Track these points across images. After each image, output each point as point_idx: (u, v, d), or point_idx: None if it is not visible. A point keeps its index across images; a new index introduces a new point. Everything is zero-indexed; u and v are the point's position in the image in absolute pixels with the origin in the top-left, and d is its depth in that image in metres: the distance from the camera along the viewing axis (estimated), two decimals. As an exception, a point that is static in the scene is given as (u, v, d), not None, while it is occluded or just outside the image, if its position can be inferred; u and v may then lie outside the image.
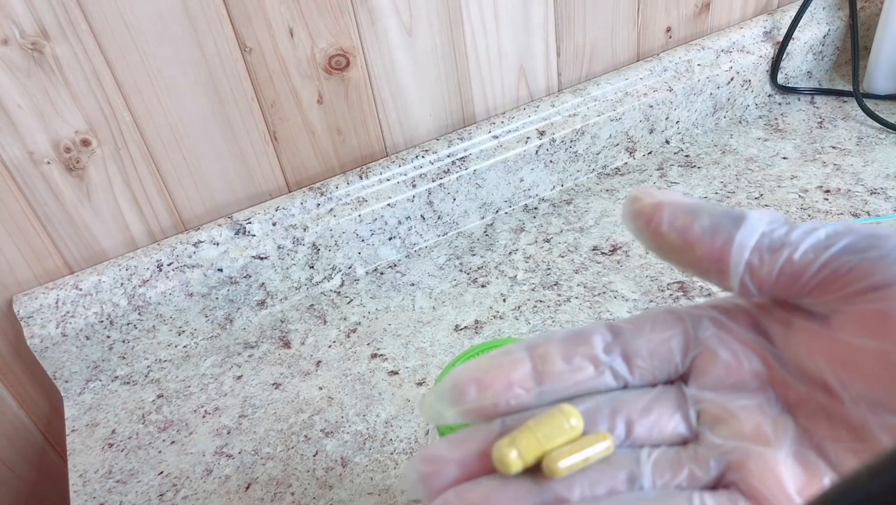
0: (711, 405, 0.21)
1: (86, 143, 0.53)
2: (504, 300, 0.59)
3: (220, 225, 0.59)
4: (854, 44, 0.74)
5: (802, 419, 0.21)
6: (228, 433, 0.53)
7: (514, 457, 0.20)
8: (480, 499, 0.19)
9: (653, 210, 0.22)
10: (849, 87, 0.77)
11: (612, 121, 0.69)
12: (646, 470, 0.20)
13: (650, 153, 0.73)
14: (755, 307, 0.23)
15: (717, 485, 0.20)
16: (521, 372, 0.21)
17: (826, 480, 0.19)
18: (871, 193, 0.63)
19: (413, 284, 0.62)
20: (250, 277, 0.60)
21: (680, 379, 0.22)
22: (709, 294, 0.56)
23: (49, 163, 0.53)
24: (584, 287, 0.59)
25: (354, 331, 0.59)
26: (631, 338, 0.22)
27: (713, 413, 0.21)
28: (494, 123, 0.66)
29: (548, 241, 0.65)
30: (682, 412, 0.22)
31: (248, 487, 0.49)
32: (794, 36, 0.74)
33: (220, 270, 0.59)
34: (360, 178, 0.62)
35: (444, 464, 0.20)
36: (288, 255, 0.60)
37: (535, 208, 0.68)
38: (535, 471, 0.20)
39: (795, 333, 0.21)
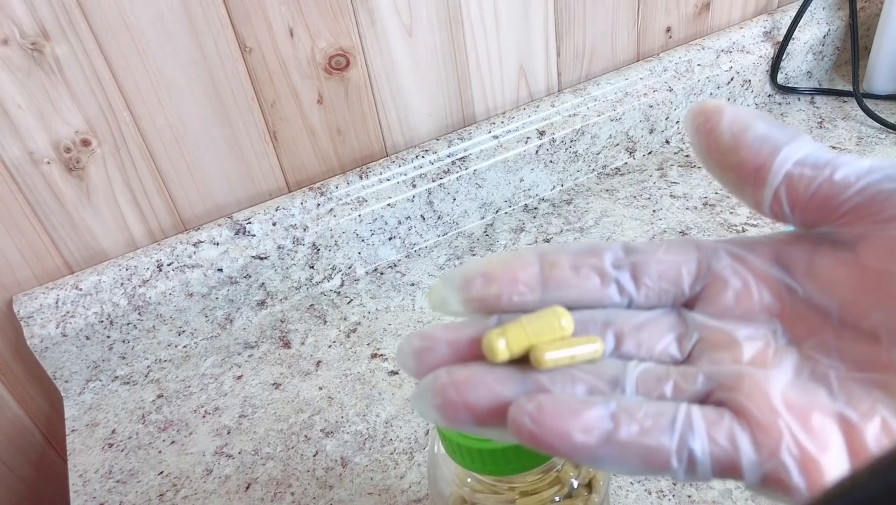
0: (713, 332, 0.21)
1: (86, 143, 0.53)
2: (504, 300, 0.59)
3: (220, 225, 0.59)
4: (854, 44, 0.74)
5: (807, 350, 0.21)
6: (228, 433, 0.53)
7: (503, 346, 0.20)
8: (467, 377, 0.20)
9: (714, 111, 0.22)
10: (849, 87, 0.77)
11: (612, 121, 0.69)
12: (630, 377, 0.20)
13: (650, 153, 0.73)
14: (779, 241, 0.23)
15: (703, 402, 0.20)
16: (528, 273, 0.22)
17: (821, 402, 0.19)
18: (871, 193, 0.63)
19: (413, 284, 0.62)
20: (250, 277, 0.60)
21: (686, 306, 0.23)
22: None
23: (49, 163, 0.53)
24: (584, 287, 0.59)
25: (354, 331, 0.59)
26: (642, 257, 0.22)
27: (714, 340, 0.21)
28: (494, 123, 0.66)
29: (548, 241, 0.65)
30: (677, 334, 0.22)
31: (248, 487, 0.49)
32: (794, 36, 0.74)
33: (220, 270, 0.59)
34: (360, 178, 0.62)
35: (437, 342, 0.21)
36: (288, 255, 0.60)
37: (535, 208, 0.68)
38: (522, 363, 0.21)
39: (819, 261, 0.21)
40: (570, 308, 0.22)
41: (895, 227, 0.20)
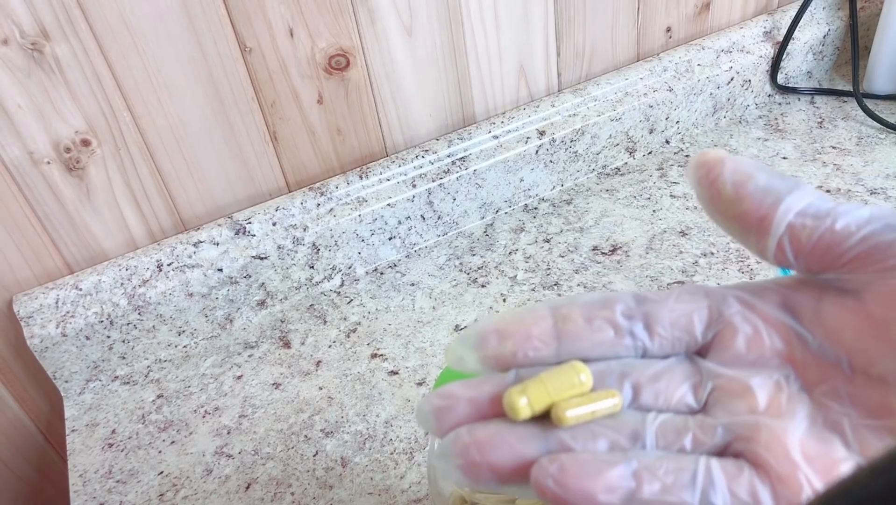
0: (728, 381, 0.22)
1: (86, 143, 0.53)
2: (504, 300, 0.59)
3: (220, 225, 0.59)
4: (854, 44, 0.74)
5: (819, 397, 0.21)
6: (228, 433, 0.53)
7: (524, 404, 0.20)
8: (489, 436, 0.20)
9: (715, 162, 0.23)
10: (849, 87, 0.77)
11: (612, 121, 0.69)
12: (649, 430, 0.20)
13: (650, 153, 0.73)
14: (786, 287, 0.23)
15: (722, 453, 0.20)
16: (541, 327, 0.22)
17: (838, 453, 0.19)
18: (871, 193, 0.63)
19: (413, 284, 0.62)
20: (250, 277, 0.60)
21: (699, 353, 0.23)
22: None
23: (49, 163, 0.53)
24: (584, 287, 0.59)
25: (354, 331, 0.59)
26: (654, 307, 0.23)
27: (729, 388, 0.21)
28: (494, 123, 0.66)
29: (548, 241, 0.65)
30: (692, 383, 0.22)
31: (248, 487, 0.49)
32: (794, 36, 0.74)
33: (220, 270, 0.59)
34: (360, 178, 0.62)
35: (457, 401, 0.21)
36: (288, 255, 0.60)
37: (535, 208, 0.68)
38: (542, 420, 0.21)
39: (826, 307, 0.22)
40: (586, 360, 0.22)
41: None
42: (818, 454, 0.19)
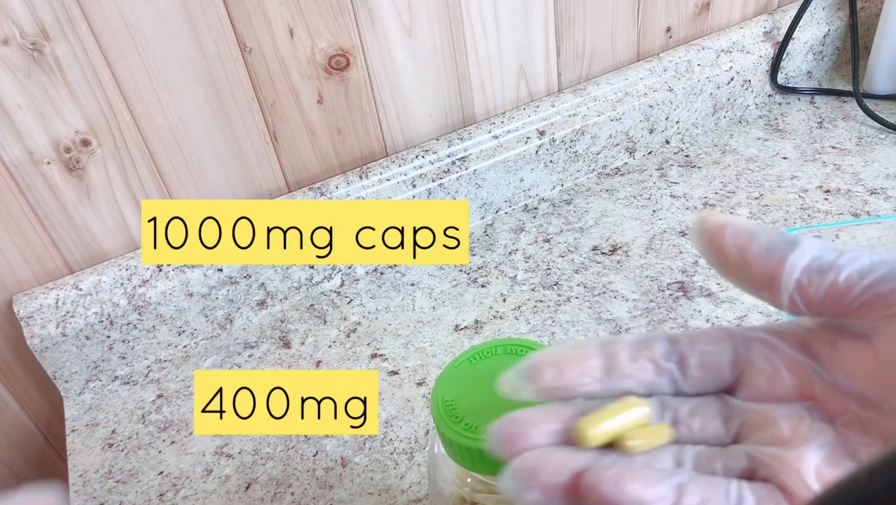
0: (755, 414, 0.24)
1: (86, 143, 0.53)
2: (504, 300, 0.59)
3: (220, 225, 0.59)
4: (854, 44, 0.74)
5: (840, 427, 0.23)
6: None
7: (593, 433, 0.23)
8: (558, 460, 0.22)
9: (717, 229, 0.25)
10: (849, 87, 0.77)
11: (612, 121, 0.69)
12: (688, 458, 0.23)
13: (650, 153, 0.73)
14: (805, 329, 0.25)
15: (750, 478, 0.22)
16: (592, 363, 0.24)
17: None
18: (871, 193, 0.63)
19: (413, 284, 0.63)
20: (250, 276, 0.60)
21: (727, 391, 0.25)
22: (708, 294, 0.56)
23: (49, 163, 0.53)
24: (584, 287, 0.59)
25: (354, 331, 0.59)
26: (685, 347, 0.25)
27: (755, 421, 0.24)
28: (494, 123, 0.66)
29: (548, 241, 0.65)
30: (723, 418, 0.24)
31: (248, 487, 0.49)
32: (794, 36, 0.74)
33: (220, 269, 0.59)
34: (360, 178, 0.62)
35: (527, 427, 0.23)
36: (288, 255, 0.60)
37: (535, 208, 0.68)
38: (605, 448, 0.23)
39: (840, 350, 0.24)
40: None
41: None
42: (833, 479, 0.20)
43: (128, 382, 0.59)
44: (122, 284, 0.57)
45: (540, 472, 0.22)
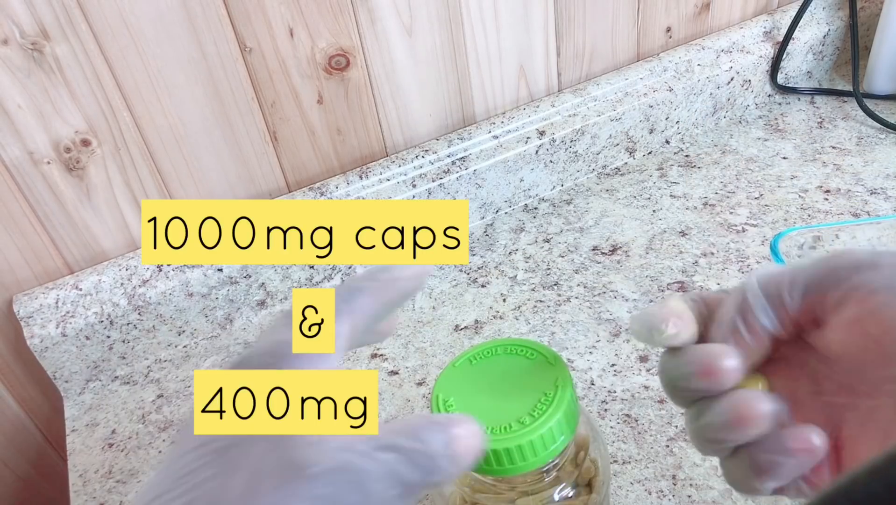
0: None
1: (86, 143, 0.53)
2: (504, 300, 0.59)
3: (220, 225, 0.59)
4: (854, 44, 0.74)
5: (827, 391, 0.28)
6: (228, 433, 0.53)
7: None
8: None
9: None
10: (849, 87, 0.77)
11: (612, 121, 0.69)
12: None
13: (650, 153, 0.73)
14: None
15: None
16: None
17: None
18: (871, 193, 0.63)
19: (413, 284, 0.62)
20: (250, 276, 0.60)
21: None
22: (709, 294, 0.56)
23: (49, 163, 0.53)
24: (584, 287, 0.59)
25: (354, 331, 0.59)
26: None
27: None
28: (494, 123, 0.66)
29: (548, 241, 0.65)
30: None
31: (248, 487, 0.49)
32: (794, 36, 0.74)
33: (220, 270, 0.59)
34: (360, 178, 0.62)
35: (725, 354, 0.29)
36: (288, 255, 0.60)
37: (535, 208, 0.68)
38: None
39: (824, 332, 0.29)
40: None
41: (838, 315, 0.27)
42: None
43: (128, 382, 0.59)
44: (122, 284, 0.57)
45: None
